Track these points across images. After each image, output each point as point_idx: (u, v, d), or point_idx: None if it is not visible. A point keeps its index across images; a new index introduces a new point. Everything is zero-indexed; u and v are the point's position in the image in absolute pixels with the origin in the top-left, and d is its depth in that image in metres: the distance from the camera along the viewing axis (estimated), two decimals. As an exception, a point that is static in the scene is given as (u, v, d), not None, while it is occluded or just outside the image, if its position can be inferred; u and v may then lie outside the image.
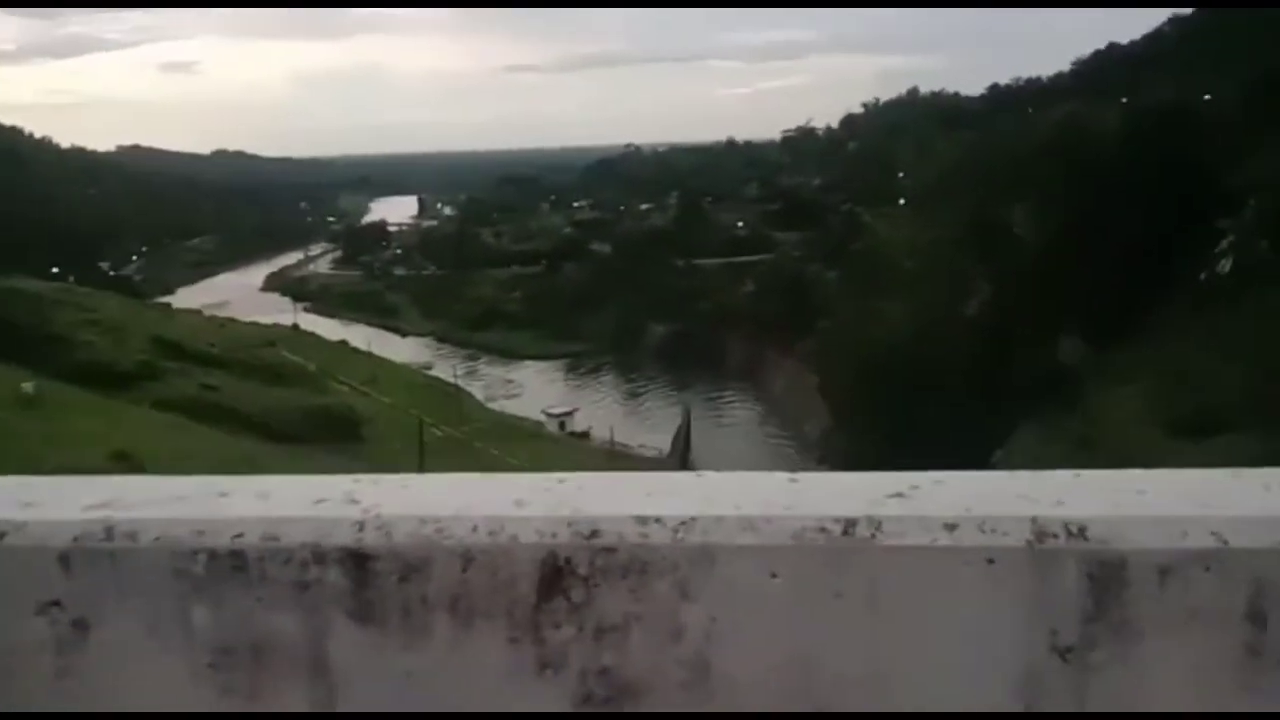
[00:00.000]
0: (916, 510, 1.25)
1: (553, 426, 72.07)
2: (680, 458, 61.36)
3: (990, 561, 1.19)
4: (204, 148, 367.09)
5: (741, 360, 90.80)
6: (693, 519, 1.23)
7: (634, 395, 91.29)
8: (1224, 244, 17.00)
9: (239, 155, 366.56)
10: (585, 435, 69.85)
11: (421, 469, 28.01)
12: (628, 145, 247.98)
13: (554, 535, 1.23)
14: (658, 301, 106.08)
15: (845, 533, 1.21)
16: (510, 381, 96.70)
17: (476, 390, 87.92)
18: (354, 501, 1.30)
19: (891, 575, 1.21)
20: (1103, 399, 19.35)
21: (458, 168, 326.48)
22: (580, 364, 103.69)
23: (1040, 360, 28.56)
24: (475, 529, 1.24)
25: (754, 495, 1.31)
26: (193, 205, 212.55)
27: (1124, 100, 77.51)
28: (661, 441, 65.90)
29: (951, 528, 1.21)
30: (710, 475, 1.44)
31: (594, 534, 1.23)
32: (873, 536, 1.21)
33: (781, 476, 1.39)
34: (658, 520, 1.24)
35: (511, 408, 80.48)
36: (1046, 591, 1.19)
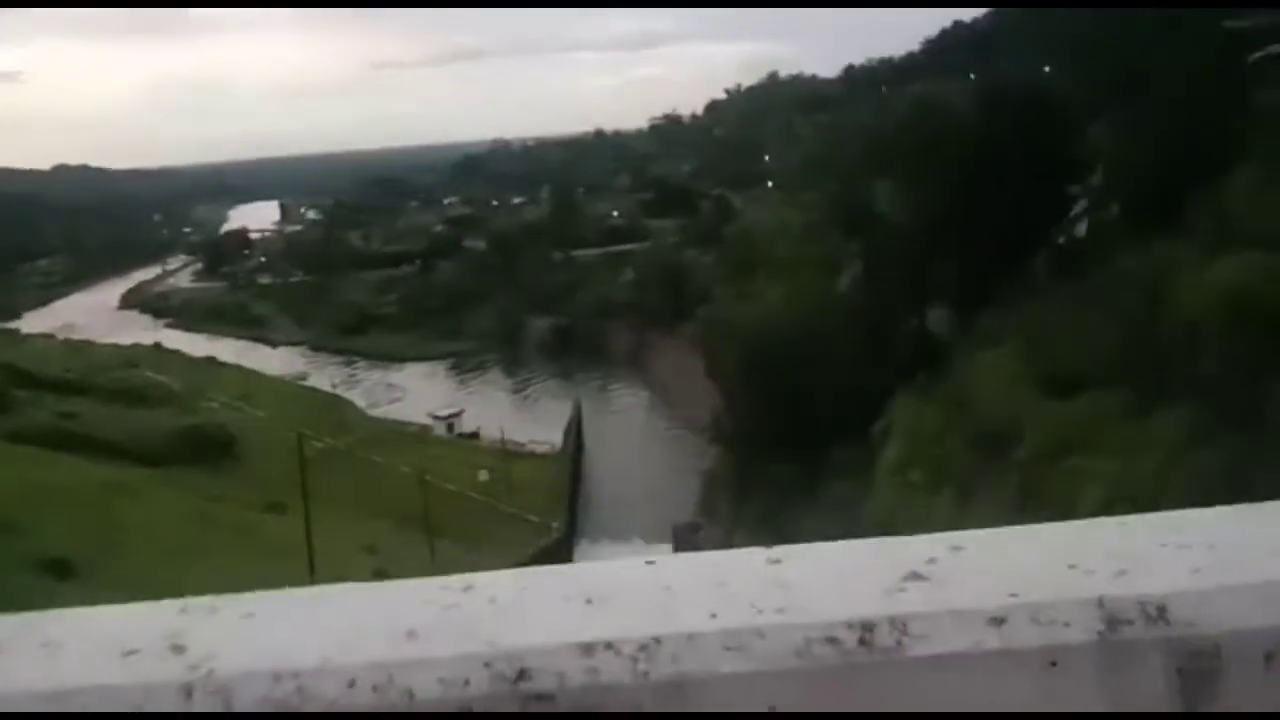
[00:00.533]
0: (946, 598, 0.96)
1: (440, 429, 70.86)
2: (574, 451, 61.30)
3: (1053, 664, 0.92)
4: (43, 163, 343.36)
5: (626, 349, 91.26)
6: (656, 640, 0.90)
7: (521, 392, 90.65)
8: (1077, 208, 18.04)
9: (83, 169, 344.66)
10: (475, 436, 68.96)
11: (304, 487, 27.10)
12: (495, 140, 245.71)
13: (466, 683, 0.88)
14: (537, 296, 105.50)
15: (862, 641, 0.91)
16: (391, 386, 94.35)
17: (357, 398, 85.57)
18: (179, 648, 0.92)
19: (927, 693, 0.92)
20: (973, 363, 20.26)
21: (320, 171, 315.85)
22: (463, 364, 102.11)
23: (912, 332, 29.66)
24: (353, 684, 0.88)
25: (731, 592, 0.99)
26: (36, 224, 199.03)
27: (972, 76, 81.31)
28: (553, 435, 65.66)
29: (998, 622, 0.92)
30: (667, 562, 1.09)
31: (522, 675, 0.89)
32: (899, 644, 0.92)
33: (759, 556, 1.05)
34: (609, 646, 0.90)
35: (395, 413, 78.65)
36: (1126, 696, 0.92)
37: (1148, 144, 16.30)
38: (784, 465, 30.72)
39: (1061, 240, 18.84)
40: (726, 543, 31.90)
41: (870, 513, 20.91)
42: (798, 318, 32.13)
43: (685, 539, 28.82)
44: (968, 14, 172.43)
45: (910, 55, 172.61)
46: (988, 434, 16.92)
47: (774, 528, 29.31)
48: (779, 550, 1.05)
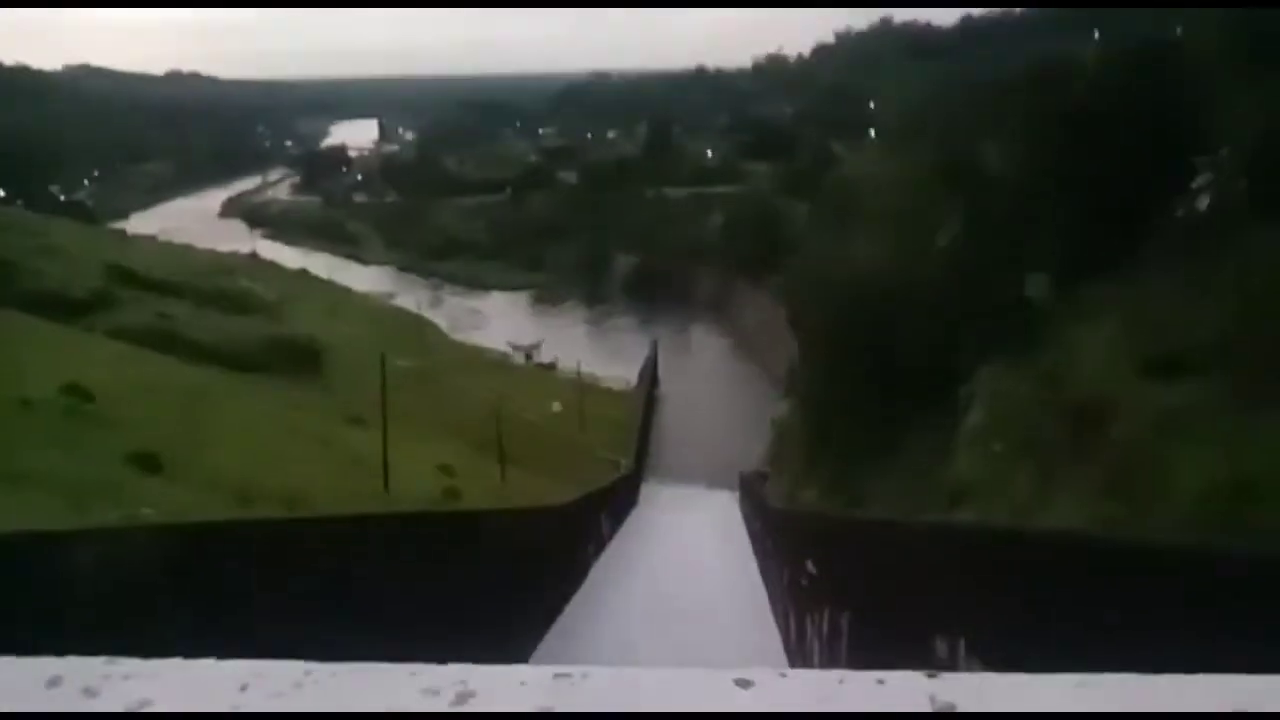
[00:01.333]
0: None
1: (519, 358, 71.68)
2: (648, 390, 61.36)
3: None
4: (156, 68, 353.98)
5: (710, 292, 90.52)
6: None
7: (600, 326, 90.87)
8: (1200, 181, 16.79)
9: (193, 77, 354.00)
10: (551, 367, 69.57)
11: (384, 403, 27.64)
12: (595, 72, 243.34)
13: None
14: (625, 232, 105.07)
15: None
16: (475, 312, 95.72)
17: (441, 321, 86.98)
18: None
19: None
20: (1070, 336, 19.32)
21: (421, 93, 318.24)
22: (546, 295, 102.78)
23: (1008, 297, 28.51)
24: None
25: None
26: (146, 128, 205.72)
27: (1097, 34, 76.97)
28: (628, 373, 65.81)
29: None
30: (622, 675, 0.92)
31: None
32: None
33: (725, 682, 0.89)
34: None
35: (476, 339, 79.78)
36: None
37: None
38: (859, 423, 30.11)
39: (1180, 214, 17.63)
40: (792, 496, 31.59)
41: (947, 480, 20.35)
42: (890, 273, 31.15)
43: (751, 488, 28.57)
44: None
45: (1033, 10, 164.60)
46: (1079, 410, 16.15)
47: (844, 486, 28.86)
48: (753, 674, 0.93)
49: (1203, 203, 16.16)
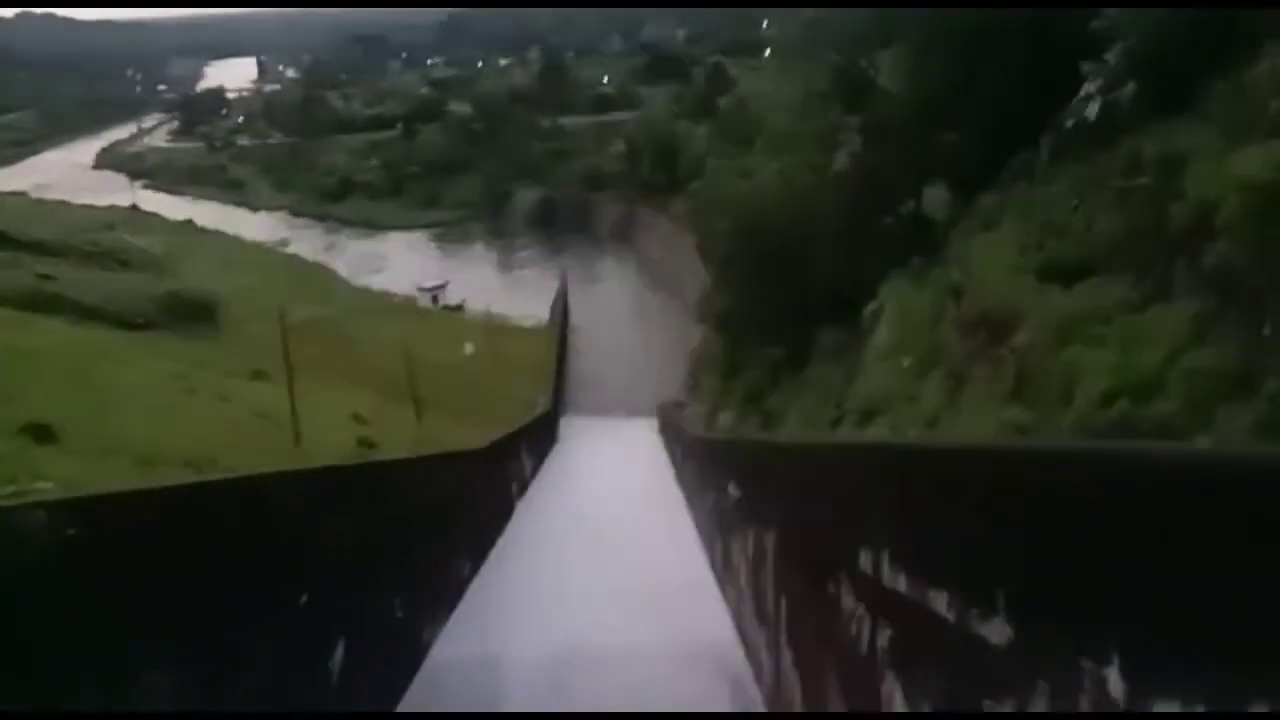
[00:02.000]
0: None
1: (425, 301, 70.29)
2: (560, 325, 61.03)
3: None
4: (5, 10, 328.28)
5: (614, 222, 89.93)
6: None
7: (507, 263, 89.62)
8: (1089, 88, 17.11)
9: (49, 18, 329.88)
10: (459, 308, 68.49)
11: (286, 354, 26.78)
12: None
13: None
14: (524, 164, 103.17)
15: None
16: (375, 255, 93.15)
17: (339, 267, 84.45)
18: None
19: None
20: (970, 247, 19.79)
21: (298, 28, 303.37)
22: (448, 233, 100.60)
23: (908, 213, 28.97)
24: None
25: None
26: (4, 76, 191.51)
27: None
28: (540, 309, 65.26)
29: None
30: None
31: None
32: None
33: None
34: None
35: (379, 283, 77.82)
36: None
37: (1170, 21, 15.46)
38: (772, 346, 30.54)
39: (1070, 122, 18.09)
40: (710, 422, 32.04)
41: (857, 395, 20.83)
42: (792, 194, 31.31)
43: (670, 416, 28.85)
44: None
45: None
46: (982, 320, 16.61)
47: (759, 408, 29.37)
48: None
49: (1093, 110, 16.55)
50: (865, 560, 3.70)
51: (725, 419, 31.62)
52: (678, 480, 18.29)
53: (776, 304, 30.36)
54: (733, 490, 9.03)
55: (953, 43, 25.85)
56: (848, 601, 3.97)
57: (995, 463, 2.69)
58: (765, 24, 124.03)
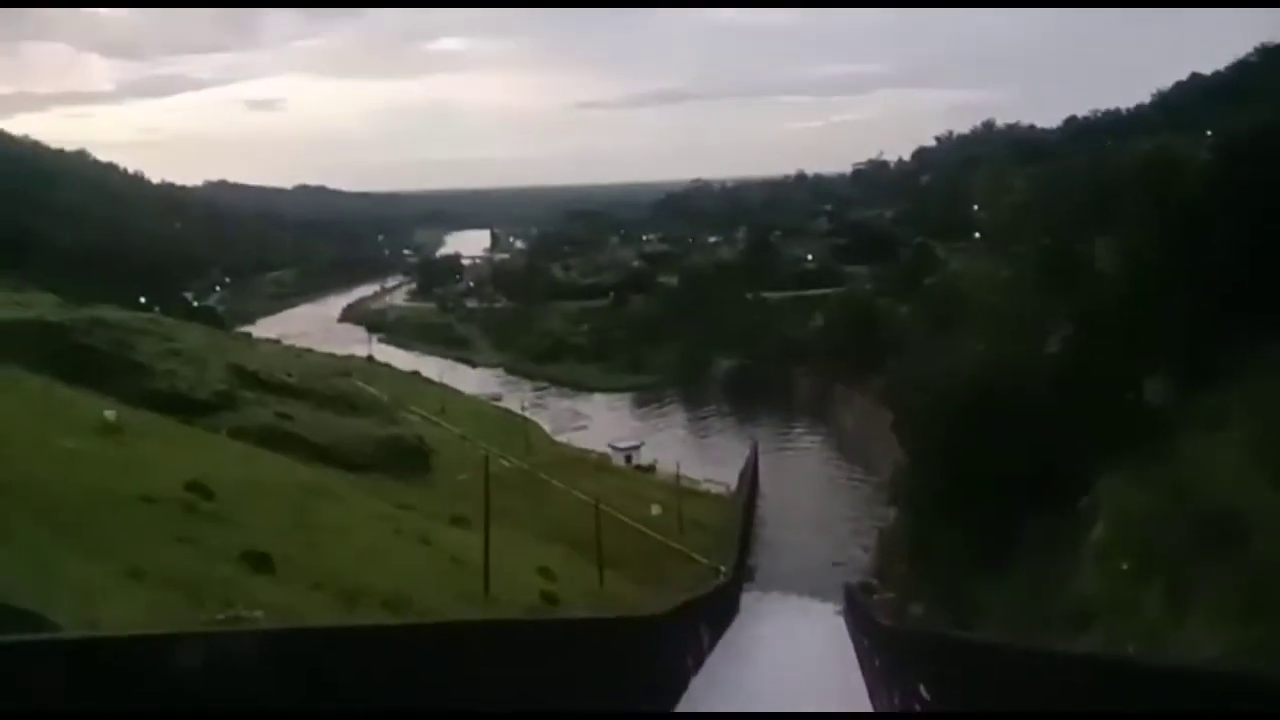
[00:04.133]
0: None
1: (619, 460, 71.79)
2: (748, 493, 60.46)
3: None
4: (287, 182, 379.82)
5: (810, 395, 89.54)
6: None
7: (700, 429, 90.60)
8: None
9: (320, 190, 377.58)
10: (651, 469, 69.37)
11: (487, 504, 27.93)
12: (696, 179, 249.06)
13: None
14: (725, 335, 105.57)
15: None
16: (577, 414, 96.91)
17: (544, 422, 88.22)
18: None
19: None
20: (1195, 445, 18.28)
21: (529, 202, 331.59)
22: (647, 397, 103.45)
23: (1125, 403, 27.33)
24: None
25: None
26: (275, 238, 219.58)
27: (1209, 133, 75.10)
28: (728, 475, 65.08)
29: None
30: None
31: None
32: None
33: None
34: None
35: (578, 440, 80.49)
36: None
37: None
38: (970, 534, 28.83)
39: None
40: (900, 611, 30.27)
41: (1071, 599, 19.18)
42: (999, 377, 30.24)
43: (857, 600, 27.51)
44: (1206, 65, 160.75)
45: (1140, 107, 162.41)
46: (1210, 525, 15.14)
47: (956, 602, 27.49)
48: None
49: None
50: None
51: (917, 609, 29.80)
52: (863, 673, 17.28)
53: (977, 489, 28.83)
54: (924, 693, 8.48)
55: (1175, 227, 24.88)
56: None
57: (1227, 694, 2.45)
58: (975, 207, 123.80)
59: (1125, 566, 17.88)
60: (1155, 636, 14.70)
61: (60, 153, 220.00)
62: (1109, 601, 17.17)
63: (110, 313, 65.42)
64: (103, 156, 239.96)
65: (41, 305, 71.60)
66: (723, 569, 40.50)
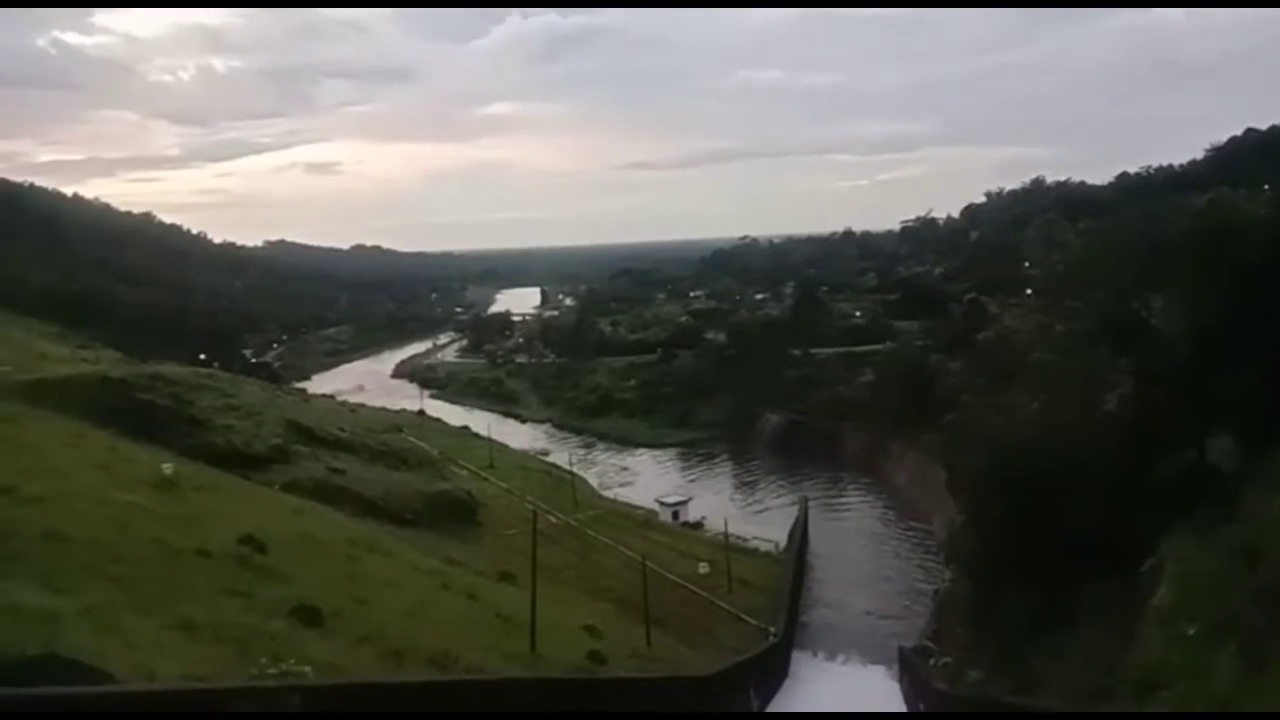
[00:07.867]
0: None
1: (666, 516, 71.24)
2: (797, 551, 59.47)
3: None
4: (344, 242, 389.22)
5: (859, 451, 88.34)
6: None
7: (749, 485, 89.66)
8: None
9: (376, 250, 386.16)
10: (698, 526, 68.69)
11: (534, 561, 27.84)
12: (744, 237, 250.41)
13: None
14: (773, 390, 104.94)
15: None
16: (624, 469, 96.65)
17: (591, 477, 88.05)
18: None
19: None
20: (1266, 505, 17.65)
21: (579, 260, 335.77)
22: (694, 452, 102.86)
23: (1188, 462, 26.59)
24: None
25: None
26: (331, 296, 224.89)
27: (1266, 188, 73.68)
28: (777, 534, 64.12)
29: None
30: None
31: None
32: None
33: None
34: None
35: (625, 495, 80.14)
36: None
37: None
38: (1029, 596, 27.97)
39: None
40: (958, 677, 29.36)
41: (1133, 663, 18.46)
42: (1056, 435, 29.57)
43: (912, 665, 26.78)
44: (1262, 120, 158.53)
45: (1193, 163, 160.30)
46: (1283, 591, 14.55)
47: (1015, 667, 26.60)
48: None
49: None
50: None
51: (975, 675, 28.85)
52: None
53: (1036, 550, 28.05)
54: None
55: (1235, 281, 24.35)
56: None
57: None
58: (1027, 264, 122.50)
59: (1191, 632, 17.20)
60: (1225, 705, 14.05)
61: (128, 215, 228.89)
62: (1177, 669, 16.48)
63: (171, 369, 67.08)
64: (168, 218, 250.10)
65: (106, 361, 73.82)
66: (773, 630, 39.71)
